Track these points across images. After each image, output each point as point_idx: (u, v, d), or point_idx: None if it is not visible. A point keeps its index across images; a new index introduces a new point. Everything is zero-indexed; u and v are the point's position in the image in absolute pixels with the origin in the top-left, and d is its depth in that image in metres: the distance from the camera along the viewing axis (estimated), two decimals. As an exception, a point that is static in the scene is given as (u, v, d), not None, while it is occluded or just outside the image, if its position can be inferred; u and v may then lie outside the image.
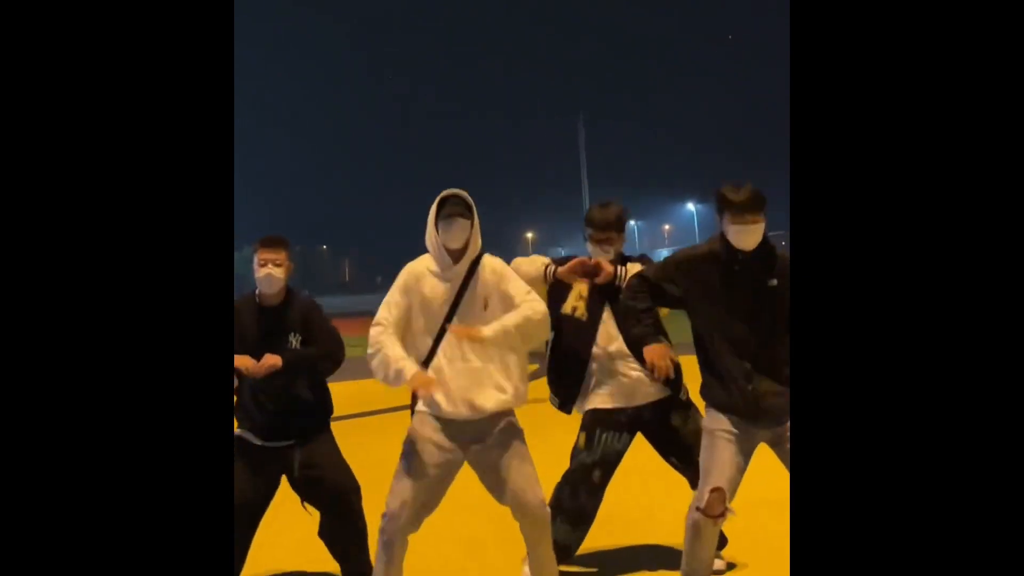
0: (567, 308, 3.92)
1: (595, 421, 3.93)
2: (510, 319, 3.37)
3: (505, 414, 3.47)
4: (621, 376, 3.88)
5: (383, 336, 3.40)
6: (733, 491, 3.36)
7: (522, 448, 3.46)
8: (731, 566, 4.03)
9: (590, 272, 3.85)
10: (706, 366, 3.48)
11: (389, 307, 3.47)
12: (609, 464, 3.91)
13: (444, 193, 3.49)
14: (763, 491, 4.65)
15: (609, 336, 3.89)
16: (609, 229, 3.90)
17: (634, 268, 3.79)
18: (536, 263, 3.92)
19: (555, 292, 3.94)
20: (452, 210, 3.43)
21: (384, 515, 3.39)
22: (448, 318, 3.42)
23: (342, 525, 3.88)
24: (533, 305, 3.40)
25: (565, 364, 3.97)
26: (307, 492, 3.90)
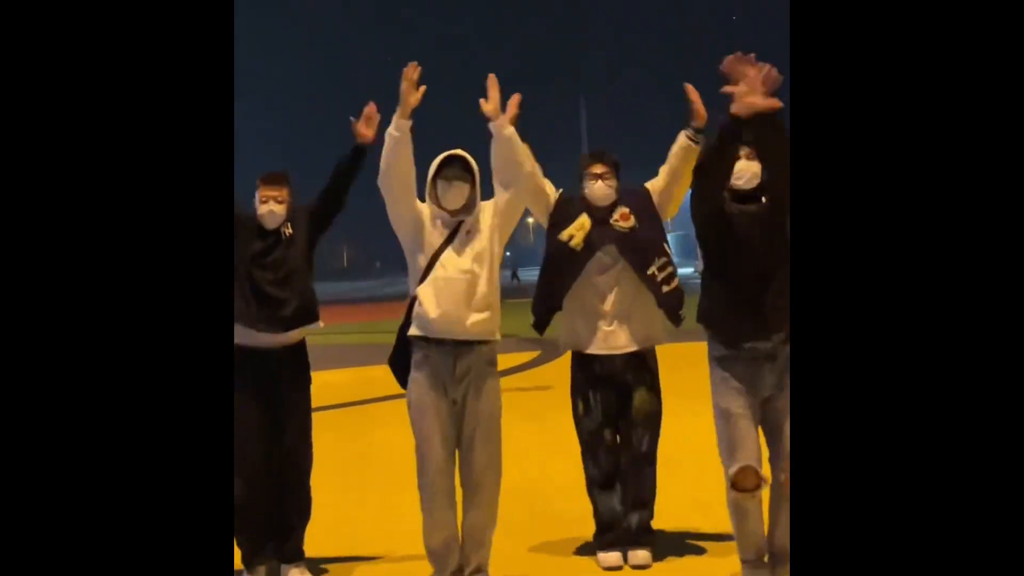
0: (564, 235, 3.89)
1: (580, 384, 3.97)
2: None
3: (487, 352, 3.49)
4: (601, 320, 3.90)
5: None
6: (759, 460, 3.31)
7: (494, 406, 3.48)
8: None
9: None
10: (715, 288, 3.41)
11: None
12: (613, 419, 3.94)
13: (445, 154, 3.48)
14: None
15: (598, 273, 3.89)
16: (606, 163, 3.93)
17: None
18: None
19: (557, 216, 3.95)
20: (451, 172, 3.43)
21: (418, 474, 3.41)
22: (443, 247, 3.46)
23: (301, 495, 3.88)
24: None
25: (549, 288, 3.98)
26: (283, 416, 3.88)
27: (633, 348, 3.91)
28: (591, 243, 3.86)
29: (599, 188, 3.90)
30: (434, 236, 3.48)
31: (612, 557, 3.89)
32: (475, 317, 3.42)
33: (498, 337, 3.53)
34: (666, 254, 3.92)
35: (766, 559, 3.44)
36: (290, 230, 3.89)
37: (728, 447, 3.33)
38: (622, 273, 3.88)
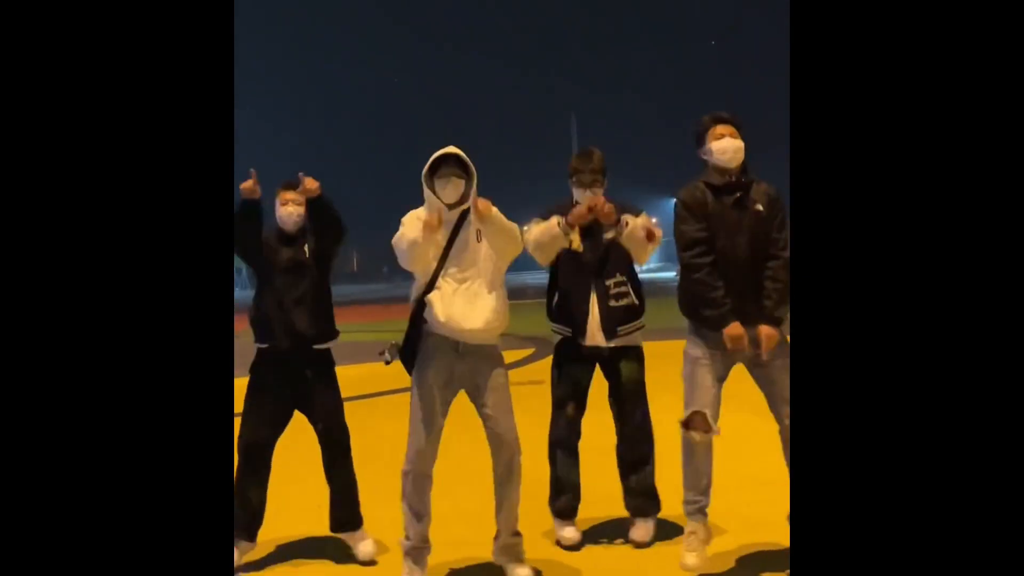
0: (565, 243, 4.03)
1: (561, 355, 4.14)
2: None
3: (493, 349, 3.65)
4: (590, 315, 4.01)
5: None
6: (715, 411, 3.53)
7: (505, 384, 3.63)
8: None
9: (593, 210, 3.92)
10: (687, 284, 3.57)
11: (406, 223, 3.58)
12: (578, 396, 4.10)
13: (438, 154, 3.56)
14: (759, 471, 4.67)
15: (583, 274, 4.03)
16: (595, 172, 4.02)
17: (639, 222, 3.94)
18: (549, 224, 4.01)
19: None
20: (447, 171, 3.55)
21: (405, 460, 3.54)
22: (445, 252, 3.57)
23: (346, 464, 4.02)
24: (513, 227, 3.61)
25: (569, 298, 4.08)
26: (314, 412, 4.01)
27: (623, 344, 4.05)
28: (591, 244, 4.01)
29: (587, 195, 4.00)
30: (436, 239, 3.57)
31: (570, 533, 4.02)
32: (481, 322, 3.54)
33: (500, 330, 3.66)
34: (624, 275, 4.06)
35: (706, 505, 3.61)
36: (307, 251, 4.00)
37: (688, 390, 3.55)
38: (590, 276, 4.04)
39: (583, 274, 4.02)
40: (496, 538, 3.71)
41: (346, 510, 4.05)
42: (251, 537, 3.96)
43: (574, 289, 4.04)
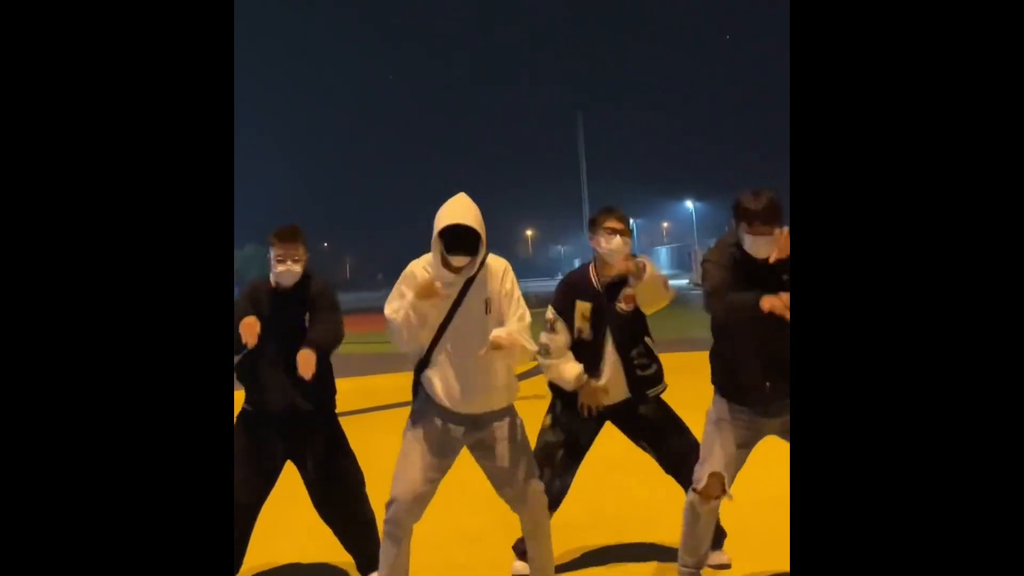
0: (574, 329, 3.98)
1: (561, 403, 4.04)
2: (523, 337, 3.30)
3: (502, 414, 3.45)
4: (597, 376, 3.97)
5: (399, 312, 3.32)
6: (731, 477, 3.40)
7: (521, 438, 3.46)
8: (724, 560, 4.00)
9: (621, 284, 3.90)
10: (722, 357, 3.49)
11: (398, 298, 3.38)
12: (574, 446, 4.01)
13: (447, 223, 3.25)
14: (765, 488, 4.65)
15: (604, 349, 3.96)
16: (618, 220, 3.99)
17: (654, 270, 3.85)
18: (575, 372, 3.93)
19: (559, 308, 4.01)
20: (457, 245, 3.28)
21: (388, 503, 3.36)
22: (448, 319, 3.35)
23: (352, 511, 3.88)
24: (524, 335, 3.33)
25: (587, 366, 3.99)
26: (316, 476, 3.87)
27: (622, 398, 3.99)
28: (598, 327, 3.96)
29: (617, 243, 3.95)
30: (437, 303, 3.32)
31: (521, 567, 3.91)
32: (483, 406, 3.38)
33: (510, 400, 3.47)
34: (645, 345, 4.03)
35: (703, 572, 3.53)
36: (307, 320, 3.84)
37: (705, 451, 3.42)
38: (611, 349, 3.97)
39: (605, 347, 3.96)
40: None
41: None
42: None
43: (590, 358, 3.96)
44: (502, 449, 3.40)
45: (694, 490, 3.42)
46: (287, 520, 4.64)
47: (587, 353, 3.97)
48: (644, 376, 4.01)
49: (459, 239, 3.28)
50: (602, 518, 4.78)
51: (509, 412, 3.47)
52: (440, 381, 3.35)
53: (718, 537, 3.90)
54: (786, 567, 3.55)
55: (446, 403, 3.36)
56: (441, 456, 3.38)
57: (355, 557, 3.95)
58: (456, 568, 4.13)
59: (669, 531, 4.19)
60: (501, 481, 3.45)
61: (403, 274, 3.43)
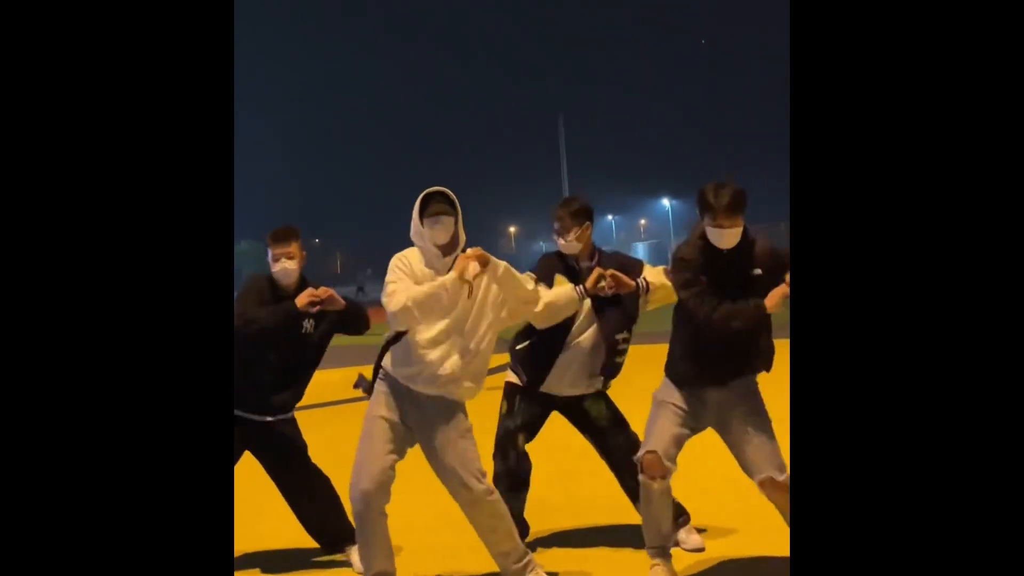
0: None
1: (514, 390, 4.05)
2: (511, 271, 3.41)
3: (458, 405, 3.49)
4: (569, 372, 3.94)
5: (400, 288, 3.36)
6: (673, 455, 3.44)
7: (462, 424, 3.47)
8: (698, 544, 4.02)
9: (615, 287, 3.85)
10: (679, 343, 3.54)
11: (396, 278, 3.41)
12: (530, 429, 4.03)
13: (426, 191, 3.47)
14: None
15: (580, 330, 3.94)
16: (574, 217, 3.96)
17: (657, 278, 3.87)
18: (566, 289, 3.89)
19: (546, 281, 3.97)
20: (437, 208, 3.42)
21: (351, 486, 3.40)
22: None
23: (315, 489, 3.95)
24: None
25: (541, 348, 3.99)
26: (277, 468, 3.96)
27: (591, 391, 4.00)
28: (600, 298, 3.91)
29: (570, 245, 3.95)
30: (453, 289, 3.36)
31: None
32: (454, 378, 3.40)
33: (469, 398, 3.50)
34: (629, 331, 4.00)
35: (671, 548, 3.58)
36: (310, 326, 3.88)
37: (646, 432, 3.49)
38: (592, 331, 3.93)
39: (584, 329, 3.93)
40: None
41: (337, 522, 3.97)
42: None
43: (569, 343, 3.92)
44: (438, 436, 3.43)
45: (640, 470, 3.48)
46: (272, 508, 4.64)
47: (558, 331, 3.92)
48: (617, 363, 4.01)
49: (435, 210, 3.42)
50: (576, 500, 4.80)
51: (461, 408, 3.51)
52: (405, 356, 3.40)
53: (680, 515, 3.93)
54: (786, 551, 3.57)
55: (406, 375, 3.40)
56: (390, 449, 3.43)
57: (323, 541, 4.02)
58: (443, 553, 4.14)
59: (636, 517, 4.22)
60: (442, 474, 3.47)
61: (393, 266, 3.47)
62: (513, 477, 3.96)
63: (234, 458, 3.83)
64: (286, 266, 3.84)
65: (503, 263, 3.44)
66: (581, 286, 3.86)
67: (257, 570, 4.06)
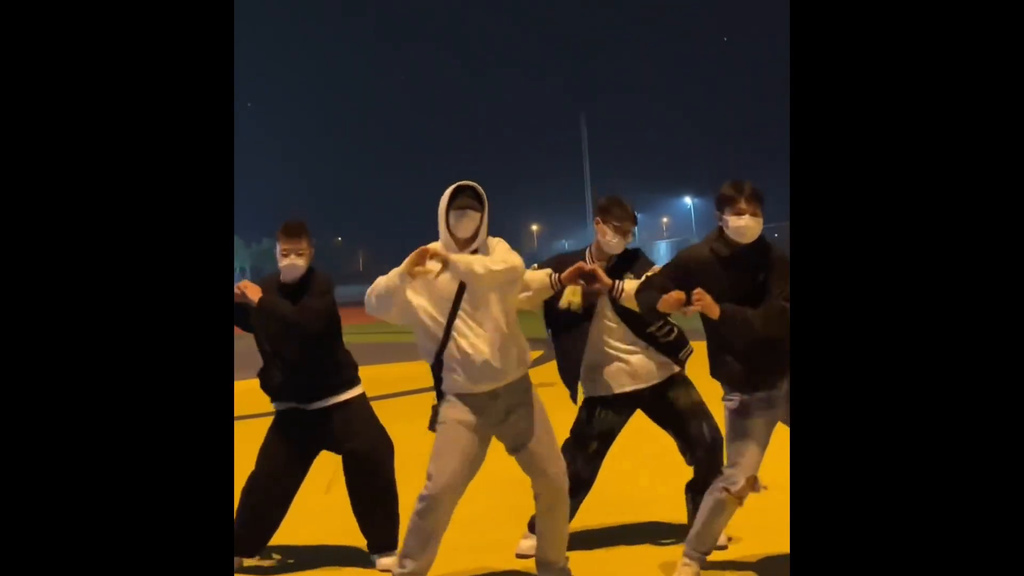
0: (563, 303, 3.89)
1: (596, 401, 3.99)
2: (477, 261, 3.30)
3: (523, 382, 3.46)
4: (622, 363, 3.92)
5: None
6: (758, 469, 3.39)
7: (543, 417, 3.46)
8: (729, 540, 3.99)
9: (587, 277, 3.83)
10: (716, 349, 3.47)
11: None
12: (606, 437, 3.99)
13: (457, 184, 3.47)
14: (766, 473, 4.62)
15: (607, 327, 3.92)
16: (628, 220, 3.95)
17: (632, 285, 3.77)
18: (539, 275, 3.88)
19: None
20: (464, 202, 3.42)
21: (427, 485, 3.34)
22: (457, 300, 3.38)
23: (376, 489, 3.89)
24: (506, 258, 3.34)
25: (564, 356, 4.01)
26: (346, 454, 3.91)
27: (664, 378, 3.94)
28: (594, 305, 3.89)
29: (618, 241, 3.93)
30: (444, 283, 3.37)
31: (527, 546, 3.88)
32: (503, 363, 3.37)
33: (526, 368, 3.46)
34: (664, 319, 3.90)
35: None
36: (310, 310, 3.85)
37: (735, 452, 3.36)
38: (624, 332, 3.91)
39: (616, 331, 3.92)
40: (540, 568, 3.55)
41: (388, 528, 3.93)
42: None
43: (604, 345, 3.93)
44: (525, 412, 3.41)
45: (726, 490, 3.37)
46: (304, 504, 4.64)
47: (573, 330, 3.91)
48: (670, 342, 3.95)
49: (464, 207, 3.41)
50: (602, 501, 4.77)
51: (525, 386, 3.48)
52: (458, 364, 3.36)
53: None
54: (786, 549, 3.54)
55: (465, 382, 3.36)
56: (472, 456, 3.39)
57: (370, 537, 3.96)
58: (447, 551, 4.13)
59: (667, 514, 4.18)
60: (525, 461, 3.42)
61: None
62: (576, 479, 3.88)
63: (303, 458, 3.84)
64: (295, 262, 3.85)
65: (466, 260, 3.30)
66: (556, 274, 3.82)
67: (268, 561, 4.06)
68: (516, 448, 3.45)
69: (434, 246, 3.34)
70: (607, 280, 3.82)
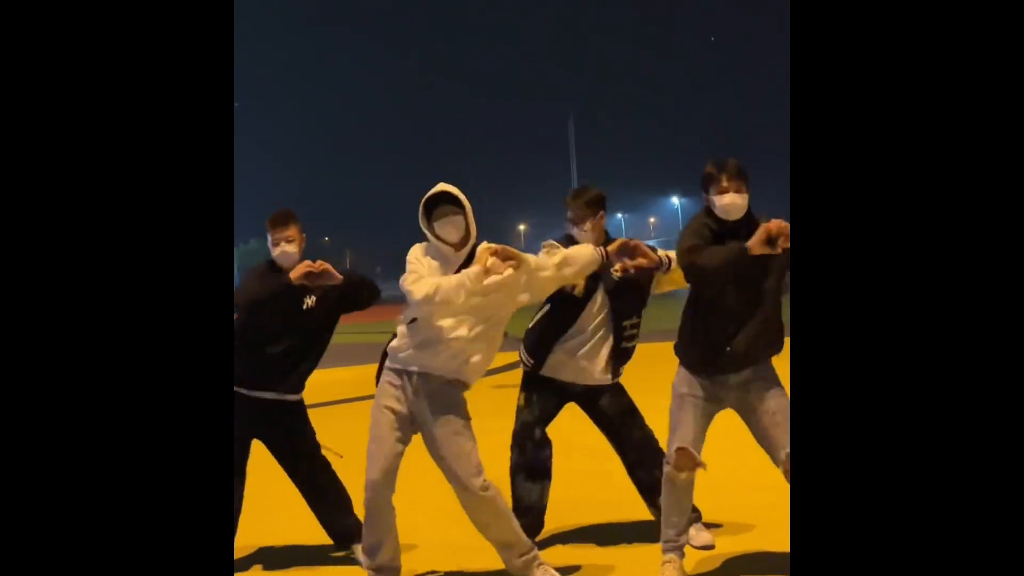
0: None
1: (530, 382, 4.02)
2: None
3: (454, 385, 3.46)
4: (581, 358, 3.92)
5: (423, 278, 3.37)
6: (699, 447, 3.43)
7: (461, 417, 3.44)
8: (708, 542, 3.99)
9: (630, 252, 3.76)
10: (690, 327, 3.48)
11: (419, 268, 3.42)
12: (546, 420, 4.02)
13: (426, 196, 3.44)
14: (760, 477, 4.64)
15: (591, 315, 3.91)
16: (587, 207, 3.93)
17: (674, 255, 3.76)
18: (588, 249, 3.77)
19: None
20: (443, 210, 3.42)
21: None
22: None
23: (324, 486, 3.95)
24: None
25: (551, 332, 3.97)
26: (287, 454, 3.95)
27: (604, 383, 3.97)
28: (590, 288, 3.88)
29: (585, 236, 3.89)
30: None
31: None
32: (464, 354, 3.40)
33: (476, 376, 3.48)
34: (639, 316, 3.96)
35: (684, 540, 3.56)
36: (312, 302, 3.87)
37: (673, 424, 3.44)
38: (603, 316, 3.90)
39: (596, 314, 3.91)
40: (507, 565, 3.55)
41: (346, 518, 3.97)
42: None
43: (581, 327, 3.91)
44: (437, 431, 3.42)
45: (667, 463, 3.45)
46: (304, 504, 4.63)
47: (572, 311, 3.90)
48: (626, 349, 3.98)
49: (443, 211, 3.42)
50: (589, 501, 4.78)
51: (452, 388, 3.49)
52: (411, 339, 3.40)
53: (692, 512, 3.87)
54: (786, 548, 3.54)
55: (406, 355, 3.41)
56: (396, 439, 3.45)
57: (330, 531, 4.01)
58: (442, 545, 4.12)
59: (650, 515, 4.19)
60: (442, 469, 3.47)
61: (414, 256, 3.48)
62: (531, 467, 3.96)
63: (242, 444, 3.81)
64: (286, 249, 3.87)
65: (532, 258, 3.42)
66: (603, 248, 3.73)
67: (259, 567, 4.04)
68: (430, 450, 3.50)
69: (498, 247, 3.36)
70: (653, 256, 3.78)
